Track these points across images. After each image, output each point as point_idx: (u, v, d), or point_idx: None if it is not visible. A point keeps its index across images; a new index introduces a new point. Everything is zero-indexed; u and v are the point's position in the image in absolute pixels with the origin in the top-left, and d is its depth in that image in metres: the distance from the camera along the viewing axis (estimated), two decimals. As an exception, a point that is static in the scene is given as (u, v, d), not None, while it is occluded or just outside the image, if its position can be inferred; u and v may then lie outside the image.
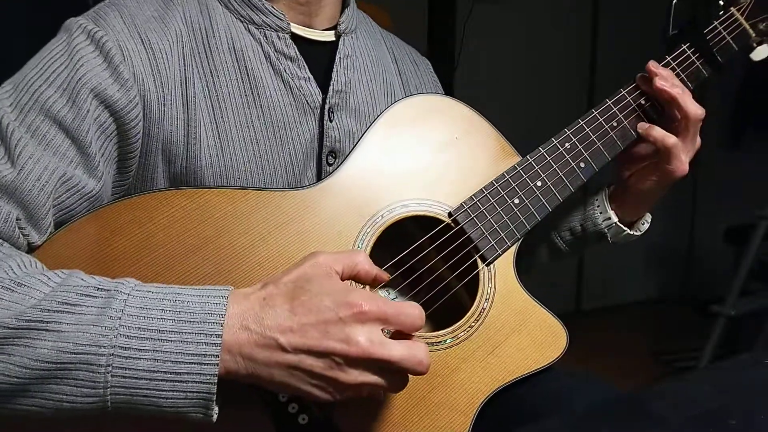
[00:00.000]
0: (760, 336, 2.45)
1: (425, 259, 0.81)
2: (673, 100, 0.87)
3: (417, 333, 0.77)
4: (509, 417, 0.80)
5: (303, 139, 0.83)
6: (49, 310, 0.59)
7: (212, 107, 0.78)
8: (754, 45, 0.95)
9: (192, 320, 0.60)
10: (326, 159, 0.85)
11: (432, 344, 0.77)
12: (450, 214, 0.82)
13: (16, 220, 0.66)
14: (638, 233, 0.98)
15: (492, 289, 0.82)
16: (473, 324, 0.80)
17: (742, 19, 0.93)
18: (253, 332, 0.60)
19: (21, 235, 0.67)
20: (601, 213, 0.95)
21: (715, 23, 0.93)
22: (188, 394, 0.59)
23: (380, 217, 0.78)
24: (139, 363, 0.58)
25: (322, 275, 0.63)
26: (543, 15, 3.06)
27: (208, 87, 0.78)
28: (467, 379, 0.78)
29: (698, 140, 0.90)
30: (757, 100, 3.12)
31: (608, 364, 2.58)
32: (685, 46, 0.93)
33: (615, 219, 0.95)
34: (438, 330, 0.78)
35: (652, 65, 0.90)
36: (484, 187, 0.83)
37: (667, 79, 0.88)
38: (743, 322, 2.49)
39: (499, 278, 0.83)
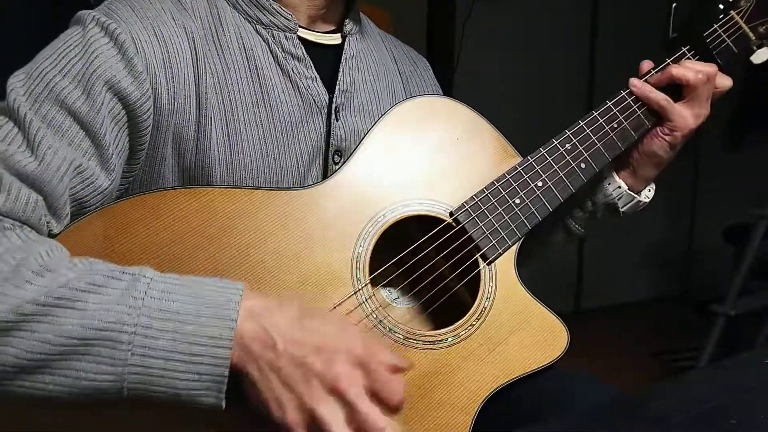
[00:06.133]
0: (760, 336, 2.46)
1: (426, 258, 0.82)
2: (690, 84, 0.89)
3: (419, 331, 0.78)
4: (510, 417, 0.80)
5: (310, 139, 0.84)
6: (76, 289, 0.61)
7: (223, 104, 0.79)
8: (755, 48, 0.95)
9: (211, 305, 0.62)
10: (332, 158, 0.85)
11: (433, 342, 0.78)
12: (451, 214, 0.82)
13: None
14: (646, 200, 0.97)
15: (493, 289, 0.82)
16: (474, 323, 0.80)
17: (741, 23, 0.94)
18: (258, 327, 0.62)
19: (45, 223, 0.68)
20: (609, 184, 0.95)
21: (715, 26, 0.93)
22: (202, 375, 0.61)
23: (382, 217, 0.79)
24: (158, 343, 0.60)
25: (335, 316, 0.67)
26: (543, 15, 3.05)
27: (219, 84, 0.79)
28: (468, 377, 0.78)
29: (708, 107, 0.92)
30: (757, 100, 3.11)
31: (608, 364, 2.57)
32: (685, 49, 0.93)
33: (625, 187, 0.95)
34: (439, 329, 0.79)
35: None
36: (485, 187, 0.84)
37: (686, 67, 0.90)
38: (743, 322, 2.49)
39: (501, 277, 0.83)
